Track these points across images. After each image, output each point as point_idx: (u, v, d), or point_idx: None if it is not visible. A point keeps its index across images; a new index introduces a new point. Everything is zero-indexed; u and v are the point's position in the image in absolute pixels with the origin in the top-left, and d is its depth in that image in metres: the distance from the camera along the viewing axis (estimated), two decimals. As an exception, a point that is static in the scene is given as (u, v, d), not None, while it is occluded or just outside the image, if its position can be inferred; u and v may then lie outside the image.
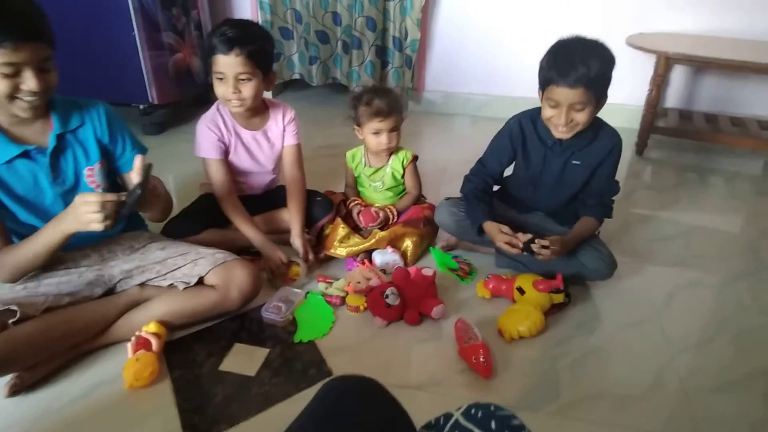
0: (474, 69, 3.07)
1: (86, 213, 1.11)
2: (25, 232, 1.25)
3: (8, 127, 1.22)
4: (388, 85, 3.05)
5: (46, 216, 1.24)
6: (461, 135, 2.95)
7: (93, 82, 2.49)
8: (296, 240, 1.66)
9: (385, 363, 1.34)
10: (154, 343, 1.28)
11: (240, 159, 1.69)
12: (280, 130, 1.72)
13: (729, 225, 2.09)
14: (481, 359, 1.27)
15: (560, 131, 1.46)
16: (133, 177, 1.17)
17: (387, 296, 1.43)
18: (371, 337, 1.42)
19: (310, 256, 1.65)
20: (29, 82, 1.11)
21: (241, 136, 1.68)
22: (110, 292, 1.38)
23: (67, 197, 1.27)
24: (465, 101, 3.16)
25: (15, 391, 1.20)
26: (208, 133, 1.63)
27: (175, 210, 1.71)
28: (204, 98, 3.13)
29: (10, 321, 1.17)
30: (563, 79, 1.36)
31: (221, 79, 1.51)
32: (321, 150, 2.64)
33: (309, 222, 1.75)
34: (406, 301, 1.45)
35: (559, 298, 1.47)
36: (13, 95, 1.12)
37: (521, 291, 1.49)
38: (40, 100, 1.16)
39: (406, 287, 1.47)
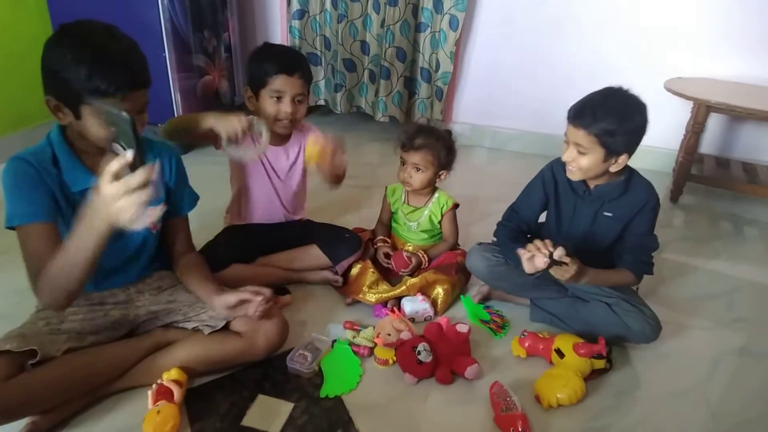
0: (504, 103, 3.04)
1: (114, 200, 0.89)
2: None
3: (85, 156, 1.19)
4: (414, 117, 3.03)
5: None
6: (489, 169, 2.90)
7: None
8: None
9: (415, 426, 1.26)
10: (176, 393, 1.22)
11: (256, 170, 1.68)
12: (303, 143, 1.72)
13: (772, 285, 2.00)
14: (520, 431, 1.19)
15: (567, 170, 1.47)
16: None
17: (419, 352, 1.36)
18: (400, 395, 1.35)
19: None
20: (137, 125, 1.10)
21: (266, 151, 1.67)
22: (133, 332, 1.34)
23: (125, 236, 1.26)
24: (493, 135, 3.12)
25: (29, 437, 1.14)
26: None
27: (200, 243, 1.68)
28: (229, 120, 3.12)
29: (30, 362, 1.12)
30: (572, 117, 1.40)
31: (279, 98, 1.55)
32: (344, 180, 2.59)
33: (336, 260, 1.70)
34: (438, 358, 1.38)
35: (600, 363, 1.40)
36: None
37: (560, 353, 1.41)
38: None
39: (438, 343, 1.40)
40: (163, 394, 1.22)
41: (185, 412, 1.24)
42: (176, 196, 1.37)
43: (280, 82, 1.53)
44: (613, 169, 1.43)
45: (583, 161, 1.41)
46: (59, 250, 1.03)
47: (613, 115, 1.35)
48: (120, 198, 0.87)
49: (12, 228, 1.13)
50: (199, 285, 1.34)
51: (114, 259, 1.28)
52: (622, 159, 1.41)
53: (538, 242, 1.36)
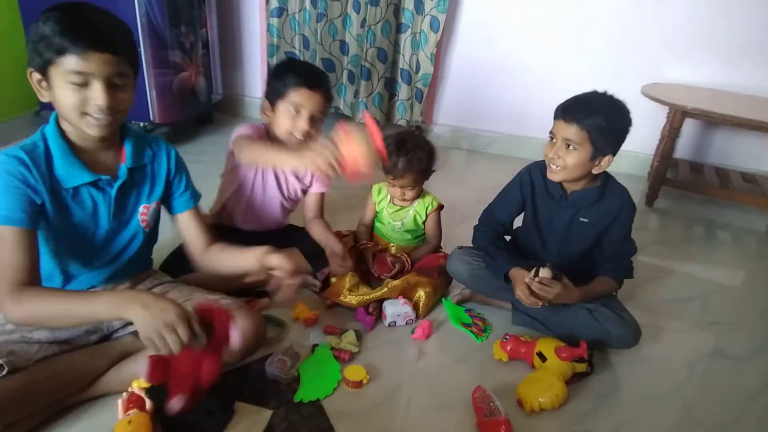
0: (484, 106, 3.04)
1: (161, 324, 0.97)
2: (62, 266, 1.19)
3: (81, 151, 1.14)
4: (394, 118, 3.01)
5: (88, 252, 1.20)
6: (469, 172, 2.90)
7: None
8: (331, 244, 1.61)
9: (397, 432, 1.24)
10: (148, 401, 1.17)
11: (265, 183, 1.65)
12: (309, 174, 1.70)
13: (745, 288, 2.04)
14: (504, 436, 1.18)
15: (551, 170, 1.47)
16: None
17: None
18: (382, 400, 1.33)
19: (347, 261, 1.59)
20: (97, 95, 1.03)
21: None
22: (106, 338, 1.28)
23: (116, 233, 1.23)
24: (473, 137, 3.12)
25: (-9, 451, 1.08)
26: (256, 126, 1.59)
27: (177, 242, 1.63)
28: (207, 118, 3.04)
29: None
30: (562, 113, 1.41)
31: (297, 112, 1.50)
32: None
33: (316, 267, 1.66)
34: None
35: (581, 367, 1.40)
36: (81, 110, 1.05)
37: (542, 357, 1.41)
38: (110, 118, 1.08)
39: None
40: (135, 402, 1.16)
41: (158, 422, 1.18)
42: (178, 189, 1.31)
43: (300, 96, 1.48)
44: (596, 171, 1.44)
45: (569, 159, 1.41)
46: (59, 300, 1.05)
47: (605, 113, 1.37)
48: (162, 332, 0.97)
49: None
50: (238, 254, 1.28)
51: (100, 254, 1.24)
52: (606, 161, 1.42)
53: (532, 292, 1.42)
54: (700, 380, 1.51)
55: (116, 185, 1.18)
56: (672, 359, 1.58)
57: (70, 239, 1.18)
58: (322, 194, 1.76)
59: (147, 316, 0.98)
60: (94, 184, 1.16)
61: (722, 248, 2.34)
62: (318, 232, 1.69)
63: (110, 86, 1.05)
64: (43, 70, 1.04)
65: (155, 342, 0.97)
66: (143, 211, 1.26)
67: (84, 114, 1.06)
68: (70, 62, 1.00)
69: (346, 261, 1.59)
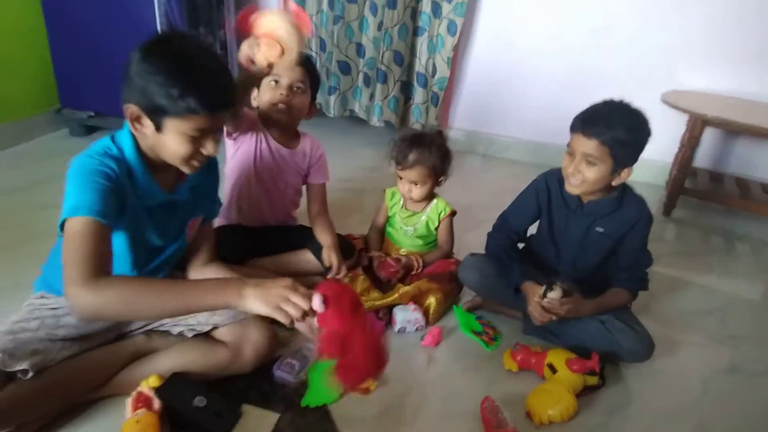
0: (500, 110, 3.02)
1: (276, 297, 0.97)
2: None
3: (154, 171, 1.14)
4: (410, 122, 3.00)
5: (136, 260, 1.19)
6: (483, 177, 2.88)
7: (114, 95, 2.43)
8: (328, 251, 1.63)
9: (404, 441, 1.24)
10: (156, 401, 1.18)
11: (264, 167, 1.65)
12: (307, 160, 1.72)
13: (764, 302, 1.99)
14: (511, 449, 1.16)
15: (570, 183, 1.43)
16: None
17: None
18: (389, 407, 1.32)
19: (342, 272, 1.62)
20: (210, 147, 1.08)
21: (270, 144, 1.65)
22: (121, 336, 1.29)
23: (166, 246, 1.25)
24: (489, 142, 3.10)
25: (1, 450, 1.09)
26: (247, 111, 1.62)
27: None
28: (222, 119, 3.07)
29: (19, 376, 1.06)
30: (581, 127, 1.36)
31: (276, 81, 1.55)
32: (335, 183, 2.53)
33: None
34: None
35: (593, 380, 1.37)
36: (191, 157, 1.08)
37: (552, 368, 1.39)
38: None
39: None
40: (144, 401, 1.17)
41: (167, 421, 1.19)
42: (212, 200, 1.37)
43: (280, 68, 1.46)
44: (615, 183, 1.41)
45: (589, 173, 1.38)
46: (160, 286, 1.02)
47: (625, 125, 1.33)
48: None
49: (62, 227, 1.03)
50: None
51: (145, 264, 1.24)
52: (626, 173, 1.39)
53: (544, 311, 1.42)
54: (715, 397, 1.48)
55: (178, 205, 1.21)
56: (686, 374, 1.55)
57: (127, 246, 1.17)
58: (323, 185, 1.77)
59: (261, 294, 0.98)
60: (163, 202, 1.18)
61: (741, 260, 2.29)
62: (319, 233, 1.69)
63: (217, 135, 1.09)
64: (154, 115, 1.03)
65: (277, 316, 0.98)
66: (191, 224, 1.29)
67: (189, 159, 1.09)
68: (197, 122, 1.02)
69: (335, 254, 1.62)
